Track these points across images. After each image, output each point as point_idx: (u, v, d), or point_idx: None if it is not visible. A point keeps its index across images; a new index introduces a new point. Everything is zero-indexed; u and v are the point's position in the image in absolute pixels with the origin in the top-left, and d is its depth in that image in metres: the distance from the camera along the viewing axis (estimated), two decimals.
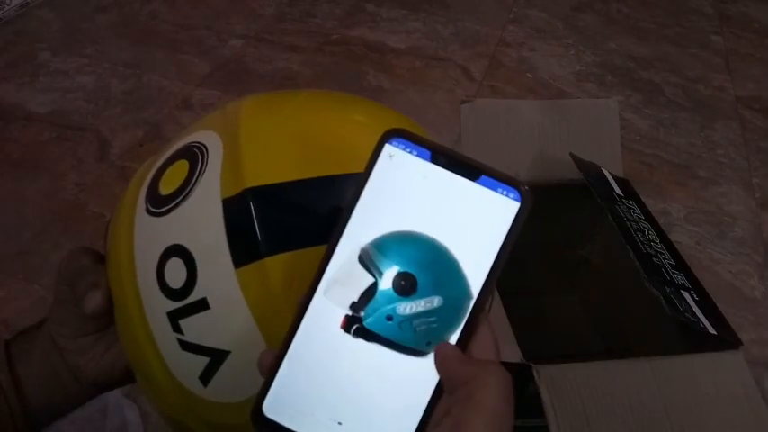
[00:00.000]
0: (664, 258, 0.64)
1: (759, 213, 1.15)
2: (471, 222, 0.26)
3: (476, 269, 0.26)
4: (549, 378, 0.49)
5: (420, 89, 1.37)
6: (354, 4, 1.63)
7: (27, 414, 0.38)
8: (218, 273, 0.31)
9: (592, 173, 0.70)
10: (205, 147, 0.34)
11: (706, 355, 0.53)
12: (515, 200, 0.26)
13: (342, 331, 0.26)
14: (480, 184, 0.26)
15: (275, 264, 0.31)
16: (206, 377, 0.32)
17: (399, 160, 0.27)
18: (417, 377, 0.26)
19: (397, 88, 1.36)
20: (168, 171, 0.35)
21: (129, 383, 0.39)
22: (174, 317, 0.32)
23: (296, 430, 0.26)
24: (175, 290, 0.32)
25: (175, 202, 0.33)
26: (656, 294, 0.55)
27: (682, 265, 0.65)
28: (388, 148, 0.27)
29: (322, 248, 0.29)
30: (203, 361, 0.31)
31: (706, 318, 0.57)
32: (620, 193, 0.71)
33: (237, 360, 0.31)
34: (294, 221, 0.32)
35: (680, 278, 0.62)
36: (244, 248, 0.31)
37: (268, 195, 0.32)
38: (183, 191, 0.33)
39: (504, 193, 0.26)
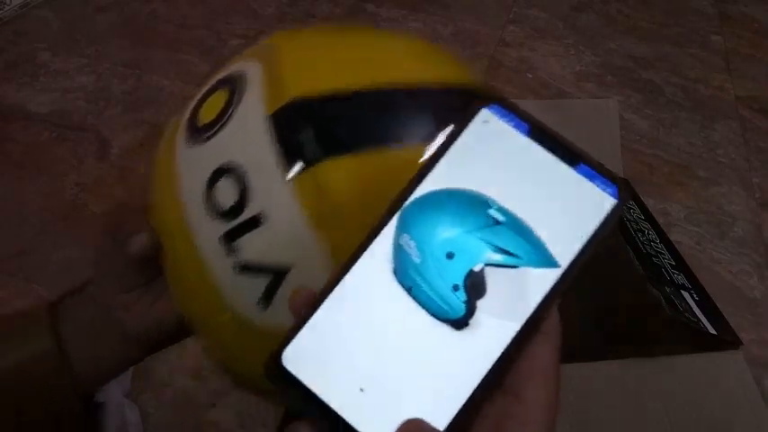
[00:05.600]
0: (664, 258, 0.64)
1: (759, 213, 1.15)
2: (559, 209, 0.24)
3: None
4: None
5: None
6: (354, 4, 1.63)
7: (73, 377, 0.36)
8: (271, 184, 0.30)
9: None
10: (244, 73, 0.34)
11: (706, 355, 0.53)
12: (612, 196, 0.24)
13: (394, 287, 0.24)
14: (577, 171, 0.24)
15: (329, 169, 0.30)
16: (266, 300, 0.30)
17: (494, 127, 0.25)
18: (464, 362, 0.23)
19: None
20: (206, 102, 0.35)
21: (178, 341, 0.38)
22: (228, 238, 0.31)
23: (312, 389, 0.23)
24: (227, 210, 0.31)
25: (218, 127, 0.33)
26: (656, 294, 0.55)
27: (682, 265, 0.65)
28: (484, 113, 0.25)
29: (377, 153, 0.29)
30: (262, 282, 0.30)
31: (706, 318, 0.57)
32: None
33: (299, 276, 0.30)
34: (345, 126, 0.31)
35: (680, 278, 0.62)
36: (294, 157, 0.30)
37: (315, 105, 0.31)
38: (225, 114, 0.33)
39: (602, 186, 0.24)
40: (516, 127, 0.25)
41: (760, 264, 1.05)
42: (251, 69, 0.34)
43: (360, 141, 0.30)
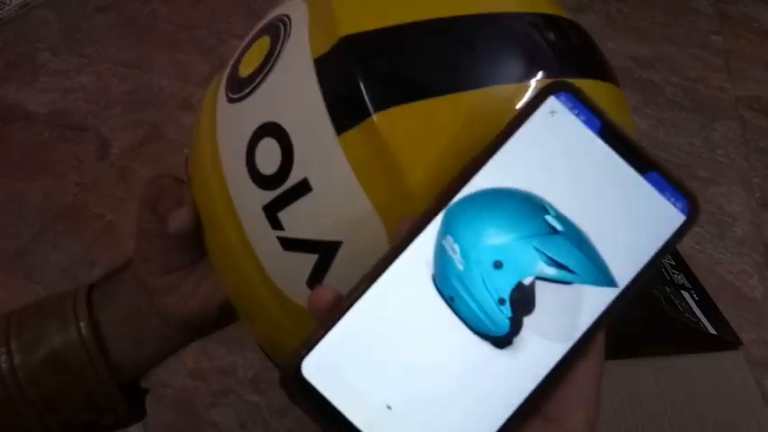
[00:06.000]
0: (663, 258, 0.64)
1: (759, 213, 1.15)
2: (623, 222, 0.22)
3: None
4: None
5: None
6: None
7: (110, 366, 0.34)
8: (318, 144, 0.25)
9: None
10: (288, 16, 0.29)
11: (706, 355, 0.53)
12: (681, 212, 0.22)
13: (432, 295, 0.21)
14: (648, 180, 0.22)
15: (386, 122, 0.24)
16: (315, 280, 0.26)
17: (561, 120, 0.22)
18: (503, 384, 0.21)
19: None
20: (248, 53, 0.30)
21: (224, 326, 0.36)
22: (272, 209, 0.26)
23: (334, 404, 0.20)
24: (270, 176, 0.26)
25: (258, 79, 0.28)
26: (656, 294, 0.55)
27: (682, 265, 0.65)
28: (551, 102, 0.22)
29: (443, 100, 0.24)
30: (311, 260, 0.26)
31: (706, 318, 0.57)
32: None
33: (351, 251, 0.26)
34: (404, 70, 0.25)
35: (680, 278, 0.62)
36: (345, 109, 0.25)
37: (369, 43, 0.26)
38: (267, 64, 0.28)
39: (672, 200, 0.22)
40: (586, 122, 0.22)
41: (760, 264, 1.05)
42: (296, 10, 0.29)
43: (426, 85, 0.25)
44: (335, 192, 0.25)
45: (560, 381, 0.21)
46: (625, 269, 0.21)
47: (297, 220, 0.26)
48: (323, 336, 0.21)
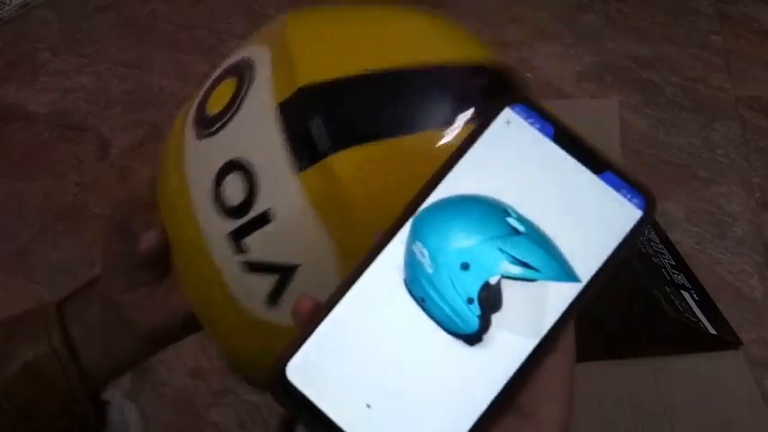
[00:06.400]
0: (664, 258, 0.64)
1: (759, 213, 1.15)
2: (582, 220, 0.23)
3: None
4: None
5: None
6: (355, 4, 1.63)
7: (83, 375, 0.36)
8: (279, 180, 0.29)
9: None
10: (252, 60, 0.33)
11: (706, 355, 0.53)
12: (638, 207, 0.22)
13: (405, 298, 0.22)
14: (603, 179, 0.23)
15: (339, 162, 0.28)
16: (274, 298, 0.30)
17: (517, 128, 0.23)
18: (476, 379, 0.22)
19: None
20: (215, 92, 0.33)
21: (189, 335, 0.38)
22: (237, 236, 0.30)
23: (317, 404, 0.21)
24: (235, 207, 0.30)
25: (226, 118, 0.31)
26: (656, 294, 0.55)
27: (682, 265, 0.65)
28: (507, 113, 0.23)
29: (386, 143, 0.28)
30: (271, 280, 0.30)
31: (706, 318, 0.57)
32: None
33: (307, 274, 0.29)
34: (356, 115, 0.29)
35: (680, 278, 0.62)
36: (303, 150, 0.29)
37: (326, 92, 0.29)
38: (233, 105, 0.31)
39: (628, 196, 0.23)
40: (541, 129, 0.23)
41: (760, 264, 1.05)
42: (259, 55, 0.32)
43: (373, 130, 0.29)
44: (294, 222, 0.29)
45: (531, 375, 0.22)
46: (587, 264, 0.22)
47: (259, 245, 0.30)
48: (304, 340, 0.22)
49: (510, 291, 0.22)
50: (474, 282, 0.22)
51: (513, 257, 0.22)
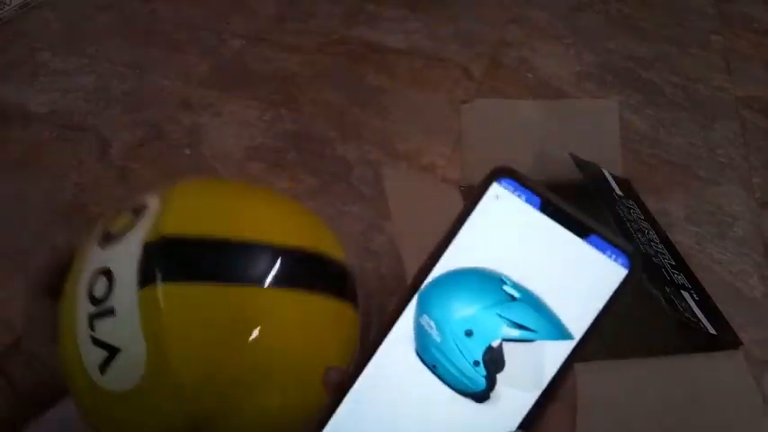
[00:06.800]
0: (664, 258, 0.64)
1: (759, 213, 1.15)
2: (571, 282, 0.25)
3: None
4: None
5: (420, 89, 1.37)
6: (354, 4, 1.63)
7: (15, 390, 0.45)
8: (126, 290, 0.41)
9: (592, 173, 0.70)
10: (147, 205, 0.46)
11: (706, 355, 0.53)
12: (623, 266, 0.24)
13: (418, 365, 0.25)
14: (588, 242, 0.25)
15: (166, 289, 0.40)
16: (103, 367, 0.41)
17: (506, 202, 0.25)
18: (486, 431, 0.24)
19: (397, 88, 1.36)
20: (119, 216, 0.46)
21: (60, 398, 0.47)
22: (91, 318, 0.41)
23: None
24: (97, 298, 0.42)
25: (114, 240, 0.44)
26: (656, 294, 0.55)
27: (682, 265, 0.65)
28: (495, 188, 0.25)
29: (210, 287, 0.40)
30: (104, 354, 0.41)
31: (706, 318, 0.57)
32: (620, 193, 0.71)
33: (126, 357, 0.40)
34: (193, 260, 0.42)
35: (680, 278, 0.62)
36: (147, 275, 0.41)
37: (180, 241, 0.42)
38: (122, 233, 0.44)
39: (613, 257, 0.24)
40: (528, 201, 0.25)
41: (760, 264, 1.05)
42: (153, 203, 0.46)
43: (201, 274, 0.41)
44: (125, 321, 0.40)
45: (536, 424, 0.24)
46: (579, 322, 0.24)
47: (102, 328, 0.41)
48: (333, 411, 0.25)
49: (511, 351, 0.25)
50: (478, 346, 0.25)
51: (512, 321, 0.25)
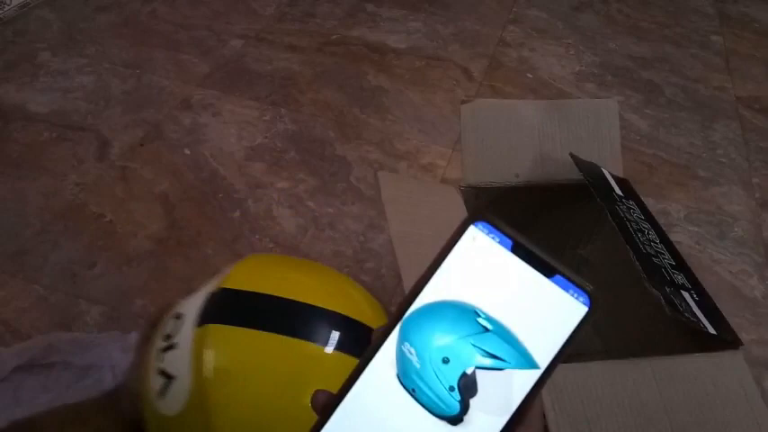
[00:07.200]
0: (664, 258, 0.64)
1: (759, 213, 1.15)
2: (538, 316, 0.27)
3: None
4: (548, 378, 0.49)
5: (420, 89, 1.37)
6: (354, 4, 1.63)
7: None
8: (188, 328, 0.48)
9: (592, 173, 0.70)
10: (221, 271, 0.52)
11: (706, 355, 0.53)
12: (584, 304, 0.27)
13: (399, 389, 0.27)
14: (553, 281, 0.27)
15: (213, 331, 0.46)
16: (162, 393, 0.47)
17: (481, 243, 0.28)
18: None
19: (397, 88, 1.36)
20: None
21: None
22: (160, 352, 0.48)
23: None
24: (168, 335, 0.49)
25: (193, 293, 0.51)
26: (656, 294, 0.55)
27: (682, 265, 0.65)
28: (472, 230, 0.28)
29: (260, 333, 0.46)
30: (163, 381, 0.47)
31: (706, 318, 0.57)
32: (620, 193, 0.71)
33: (177, 384, 0.46)
34: (241, 310, 0.47)
35: (680, 278, 0.62)
36: (205, 316, 0.47)
37: (235, 293, 0.48)
38: (198, 289, 0.51)
39: (575, 295, 0.27)
40: (501, 243, 0.28)
41: (760, 264, 1.05)
42: (226, 270, 0.52)
43: (249, 322, 0.46)
44: (182, 355, 0.46)
45: None
46: (544, 354, 0.27)
47: (167, 359, 0.48)
48: (321, 427, 0.27)
49: (483, 378, 0.27)
50: (454, 373, 0.27)
51: (485, 351, 0.27)
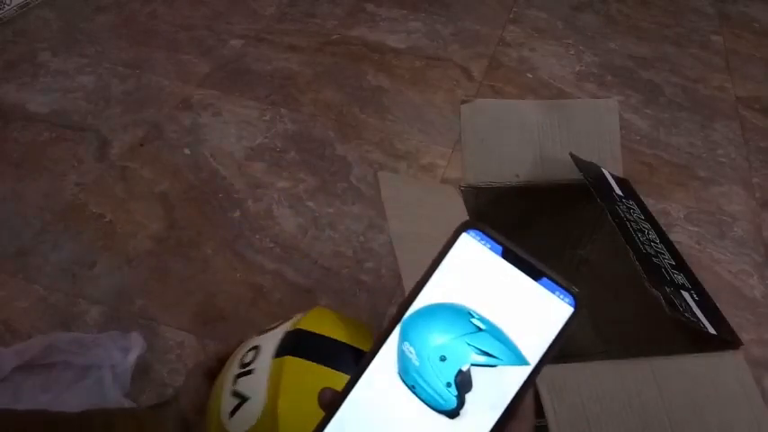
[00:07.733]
0: (664, 258, 0.64)
1: (759, 213, 1.15)
2: (527, 317, 0.29)
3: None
4: (548, 378, 0.50)
5: (420, 89, 1.37)
6: (354, 4, 1.63)
7: None
8: (265, 357, 0.53)
9: (592, 173, 0.70)
10: (293, 317, 0.57)
11: (706, 355, 0.53)
12: (570, 305, 0.29)
13: (400, 385, 0.29)
14: (540, 284, 0.29)
15: (289, 362, 0.51)
16: (233, 413, 0.50)
17: (473, 249, 0.30)
18: None
19: (397, 88, 1.36)
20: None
21: None
22: (236, 377, 0.53)
23: None
24: (245, 363, 0.54)
25: (269, 331, 0.57)
26: (656, 294, 0.55)
27: (682, 265, 0.65)
28: (465, 237, 0.30)
29: (325, 370, 0.51)
30: (236, 402, 0.51)
31: (706, 318, 0.57)
32: (620, 193, 0.71)
33: (249, 404, 0.50)
34: (315, 348, 0.53)
35: (680, 278, 0.62)
36: (282, 350, 0.52)
37: (309, 334, 0.54)
38: (274, 328, 0.56)
39: (561, 296, 0.29)
40: (492, 249, 0.30)
41: (760, 264, 1.05)
42: (298, 316, 0.57)
43: (318, 358, 0.52)
44: (258, 379, 0.51)
45: None
46: (534, 351, 0.29)
47: (242, 382, 0.52)
48: (328, 421, 0.29)
49: (478, 375, 0.29)
50: (450, 370, 0.29)
51: (479, 349, 0.29)
